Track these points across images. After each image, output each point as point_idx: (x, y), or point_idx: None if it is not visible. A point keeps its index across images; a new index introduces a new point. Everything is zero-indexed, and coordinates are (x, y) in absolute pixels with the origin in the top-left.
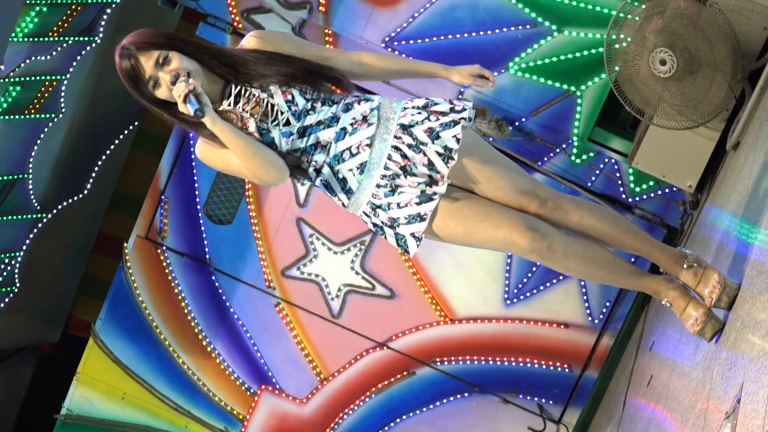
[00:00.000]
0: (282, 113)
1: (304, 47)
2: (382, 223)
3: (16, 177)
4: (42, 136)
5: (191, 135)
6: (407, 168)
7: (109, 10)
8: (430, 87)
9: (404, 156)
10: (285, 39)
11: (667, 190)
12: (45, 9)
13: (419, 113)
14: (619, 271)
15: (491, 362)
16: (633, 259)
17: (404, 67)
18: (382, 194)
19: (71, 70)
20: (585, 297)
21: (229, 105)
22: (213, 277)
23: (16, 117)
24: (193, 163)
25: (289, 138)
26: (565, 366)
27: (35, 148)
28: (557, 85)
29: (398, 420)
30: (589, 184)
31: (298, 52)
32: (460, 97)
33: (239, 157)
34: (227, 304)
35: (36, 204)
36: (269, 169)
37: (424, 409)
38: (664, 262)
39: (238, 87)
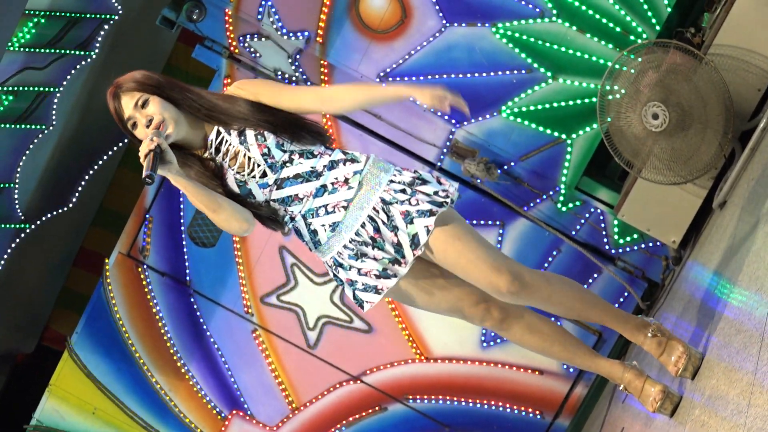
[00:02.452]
0: (258, 165)
1: (281, 92)
2: (341, 279)
3: (2, 186)
4: (31, 146)
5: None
6: (377, 241)
7: (106, 26)
8: (420, 124)
9: (377, 230)
10: (262, 84)
11: (650, 244)
12: (43, 20)
13: (402, 192)
14: (575, 350)
15: (464, 403)
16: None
17: (370, 97)
18: (347, 255)
19: (65, 83)
20: None
21: (210, 154)
22: (192, 299)
23: (7, 126)
24: None
25: (266, 189)
26: (537, 412)
27: (23, 158)
28: (548, 131)
29: None
30: (573, 233)
31: (274, 99)
32: (450, 137)
33: (203, 211)
34: (204, 326)
35: (20, 214)
36: (231, 223)
37: None
38: (628, 332)
39: (219, 137)
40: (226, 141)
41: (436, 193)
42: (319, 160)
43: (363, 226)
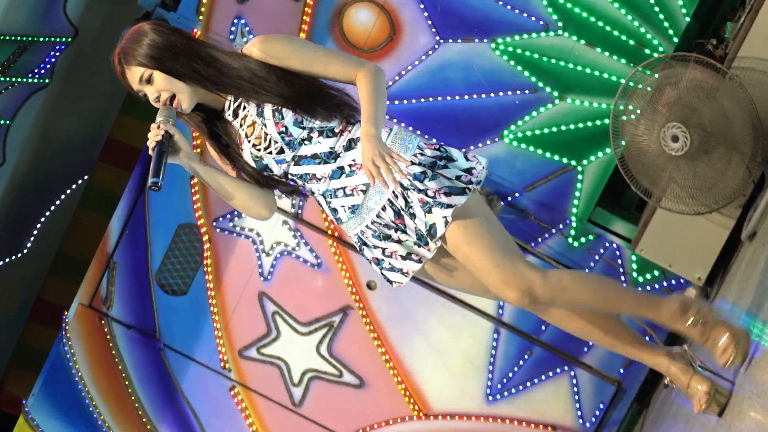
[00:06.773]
0: (275, 142)
1: (312, 63)
2: (367, 257)
3: None
4: None
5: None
6: (398, 226)
7: (62, 51)
8: None
9: (398, 215)
10: (291, 51)
11: (673, 282)
12: None
13: (423, 174)
14: (619, 335)
15: None
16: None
17: (363, 108)
18: (370, 235)
19: (17, 115)
20: (576, 397)
21: (229, 116)
22: (162, 354)
23: None
24: (147, 225)
25: (284, 164)
26: None
27: None
28: (556, 158)
29: None
30: (587, 271)
31: (305, 68)
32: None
33: (220, 196)
34: (176, 384)
35: None
36: (249, 210)
37: None
38: (664, 317)
39: (238, 100)
40: (245, 107)
41: (458, 177)
42: (339, 139)
43: (384, 209)
